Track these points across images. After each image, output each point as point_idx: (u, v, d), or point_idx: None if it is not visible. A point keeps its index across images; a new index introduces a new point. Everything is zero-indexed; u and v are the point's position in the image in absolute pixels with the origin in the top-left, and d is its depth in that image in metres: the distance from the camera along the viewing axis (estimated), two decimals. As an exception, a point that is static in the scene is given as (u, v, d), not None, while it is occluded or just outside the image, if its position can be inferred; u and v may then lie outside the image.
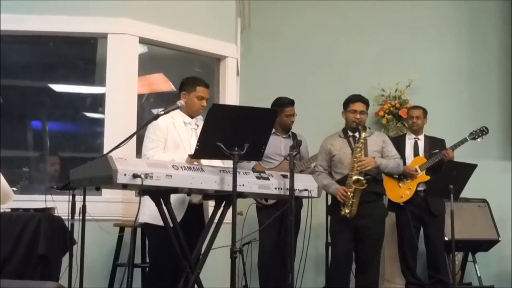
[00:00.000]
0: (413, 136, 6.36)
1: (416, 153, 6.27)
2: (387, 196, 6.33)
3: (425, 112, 6.40)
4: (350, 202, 5.10)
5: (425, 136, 6.38)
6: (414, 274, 6.21)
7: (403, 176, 6.14)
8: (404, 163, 6.15)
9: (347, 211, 5.13)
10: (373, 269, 5.33)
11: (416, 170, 6.09)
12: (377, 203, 5.36)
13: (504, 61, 7.53)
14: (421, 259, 6.44)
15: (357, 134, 5.30)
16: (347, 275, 5.36)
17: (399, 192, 6.15)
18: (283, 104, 5.73)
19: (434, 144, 6.30)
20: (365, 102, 5.39)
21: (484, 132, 6.20)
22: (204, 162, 4.12)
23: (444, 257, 6.18)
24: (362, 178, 5.07)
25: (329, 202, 5.65)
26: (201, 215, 4.48)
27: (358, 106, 5.33)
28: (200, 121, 4.53)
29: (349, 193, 5.11)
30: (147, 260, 4.71)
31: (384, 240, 6.85)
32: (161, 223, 4.02)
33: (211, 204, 4.42)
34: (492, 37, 7.63)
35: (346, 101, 5.41)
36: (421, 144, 6.32)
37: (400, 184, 6.17)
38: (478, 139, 6.21)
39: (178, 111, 4.41)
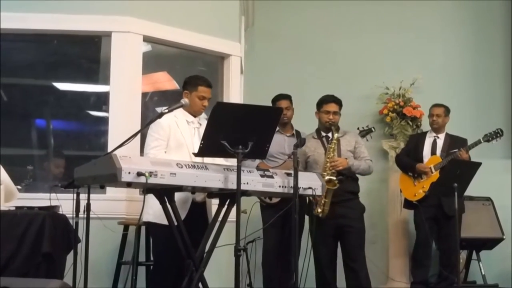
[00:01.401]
0: (434, 134, 6.33)
1: (433, 152, 6.24)
2: (403, 194, 6.33)
3: (447, 110, 6.36)
4: (323, 201, 5.15)
5: (446, 135, 6.33)
6: (426, 274, 6.18)
7: (418, 174, 6.14)
8: (422, 161, 6.15)
9: (319, 210, 5.19)
10: (361, 266, 5.36)
11: (430, 169, 6.06)
12: (353, 201, 5.42)
13: (508, 61, 7.51)
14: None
15: (330, 135, 5.34)
16: (333, 275, 5.47)
17: (413, 191, 6.17)
18: (276, 98, 5.82)
19: (455, 143, 6.23)
20: (338, 103, 5.47)
21: (498, 134, 6.15)
22: (207, 160, 4.12)
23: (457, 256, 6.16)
24: (334, 178, 5.13)
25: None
26: (204, 213, 4.48)
27: (331, 107, 5.41)
28: (202, 120, 4.53)
29: None
30: (152, 258, 4.72)
31: (388, 238, 6.91)
32: (164, 222, 4.02)
33: (214, 202, 4.42)
34: (496, 37, 7.62)
35: (319, 102, 5.49)
36: (440, 142, 6.27)
37: (415, 182, 6.17)
38: (493, 141, 6.17)
39: (181, 110, 4.41)
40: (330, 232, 5.33)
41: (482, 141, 6.13)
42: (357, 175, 5.50)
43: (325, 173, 5.16)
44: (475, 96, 7.51)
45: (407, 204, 6.31)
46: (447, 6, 7.63)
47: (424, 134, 6.47)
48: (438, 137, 6.31)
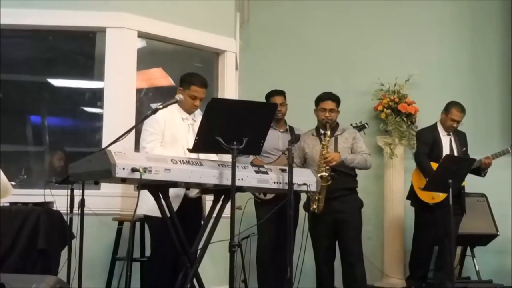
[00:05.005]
0: (445, 132, 6.09)
1: (451, 152, 6.02)
2: (418, 195, 6.06)
3: None
4: (317, 197, 5.14)
5: (453, 131, 6.11)
6: (427, 271, 6.15)
7: None
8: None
9: (314, 206, 5.18)
10: (356, 259, 5.35)
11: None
12: (350, 197, 5.39)
13: (504, 57, 7.50)
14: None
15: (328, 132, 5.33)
16: (331, 270, 5.43)
17: (430, 193, 5.86)
18: (270, 94, 5.81)
19: (461, 139, 6.11)
20: (335, 100, 5.42)
21: None
22: (201, 156, 4.12)
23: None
24: (326, 174, 5.10)
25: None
26: (199, 208, 4.48)
27: (327, 105, 5.37)
28: (197, 116, 4.53)
29: None
30: (146, 253, 4.71)
31: (383, 235, 6.91)
32: (159, 214, 4.02)
33: (208, 198, 4.42)
34: (492, 34, 7.60)
35: (316, 99, 5.46)
36: (453, 141, 6.08)
37: None
38: None
39: (176, 105, 4.41)
40: (328, 227, 5.31)
41: (510, 151, 6.15)
42: (356, 172, 5.48)
43: (318, 170, 5.16)
44: (471, 92, 7.47)
45: (419, 203, 6.08)
46: (444, 3, 7.61)
47: (436, 131, 6.14)
48: (451, 135, 6.09)
